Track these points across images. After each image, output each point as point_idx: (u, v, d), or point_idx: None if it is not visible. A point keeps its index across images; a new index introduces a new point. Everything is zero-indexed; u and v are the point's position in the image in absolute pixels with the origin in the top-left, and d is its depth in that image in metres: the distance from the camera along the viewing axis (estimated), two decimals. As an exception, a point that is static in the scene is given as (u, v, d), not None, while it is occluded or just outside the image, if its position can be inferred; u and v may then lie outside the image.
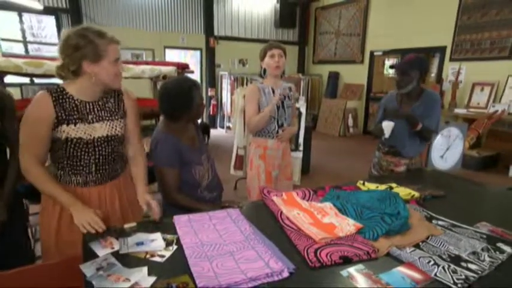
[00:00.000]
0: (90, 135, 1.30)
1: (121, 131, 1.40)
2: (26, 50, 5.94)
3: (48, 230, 1.34)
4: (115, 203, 1.42)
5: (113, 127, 1.36)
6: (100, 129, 1.32)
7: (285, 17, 8.30)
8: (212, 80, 7.82)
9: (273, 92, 2.06)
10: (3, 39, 5.65)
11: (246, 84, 7.04)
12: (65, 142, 1.26)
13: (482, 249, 1.08)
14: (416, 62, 1.96)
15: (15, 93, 5.03)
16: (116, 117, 1.38)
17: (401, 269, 0.97)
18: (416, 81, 1.98)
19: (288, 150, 2.22)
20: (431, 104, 2.02)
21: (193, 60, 7.82)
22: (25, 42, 5.92)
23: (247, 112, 2.09)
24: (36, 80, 5.32)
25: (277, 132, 2.08)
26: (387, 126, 2.02)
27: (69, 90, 1.28)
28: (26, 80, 5.10)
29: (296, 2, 8.36)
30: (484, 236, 1.17)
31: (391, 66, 2.09)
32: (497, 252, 1.06)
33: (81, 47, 1.20)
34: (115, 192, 1.42)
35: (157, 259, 1.00)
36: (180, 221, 1.24)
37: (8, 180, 1.44)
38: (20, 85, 5.17)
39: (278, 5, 8.16)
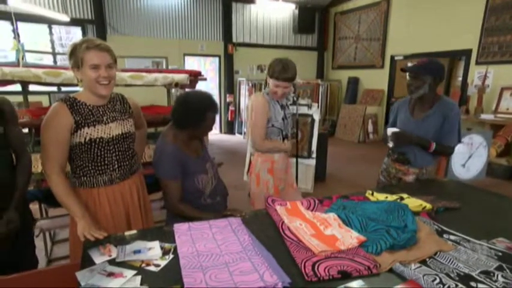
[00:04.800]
0: (109, 134, 1.42)
1: (131, 129, 1.53)
2: (55, 61, 6.28)
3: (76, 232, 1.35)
4: (135, 198, 1.54)
5: (125, 126, 1.49)
6: (115, 128, 1.44)
7: (304, 22, 8.28)
8: (230, 86, 7.91)
9: (278, 103, 2.01)
10: (34, 51, 6.00)
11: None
12: (89, 144, 1.37)
13: (496, 268, 1.00)
14: (428, 66, 1.84)
15: (44, 101, 5.33)
16: (126, 117, 1.51)
17: (402, 286, 0.92)
18: (429, 87, 1.85)
19: (289, 163, 2.19)
20: (447, 115, 1.86)
21: (212, 66, 7.95)
22: (54, 54, 6.25)
23: (256, 127, 1.96)
24: (63, 88, 5.59)
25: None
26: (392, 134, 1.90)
27: (80, 99, 1.39)
28: (54, 88, 5.36)
29: (315, 7, 8.32)
30: (500, 254, 1.09)
31: (402, 69, 1.95)
32: (513, 272, 0.98)
33: (70, 56, 1.34)
34: (134, 188, 1.54)
35: (152, 268, 1.00)
36: (180, 229, 1.24)
37: (18, 186, 1.41)
38: (48, 93, 5.45)
39: (297, 11, 8.14)
